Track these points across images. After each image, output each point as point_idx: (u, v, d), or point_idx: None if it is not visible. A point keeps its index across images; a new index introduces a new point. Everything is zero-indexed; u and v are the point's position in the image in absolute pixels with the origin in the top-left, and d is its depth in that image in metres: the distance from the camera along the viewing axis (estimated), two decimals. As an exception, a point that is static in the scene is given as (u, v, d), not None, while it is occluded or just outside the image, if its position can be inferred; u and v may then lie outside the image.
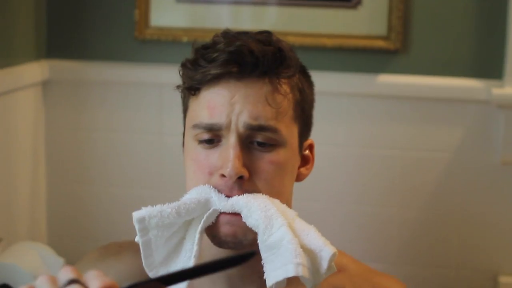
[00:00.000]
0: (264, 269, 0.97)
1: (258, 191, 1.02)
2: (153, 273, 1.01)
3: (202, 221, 1.00)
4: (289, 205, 1.06)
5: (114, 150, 1.91)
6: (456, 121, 1.78)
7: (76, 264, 1.20)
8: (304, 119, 1.09)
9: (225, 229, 1.01)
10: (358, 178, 1.83)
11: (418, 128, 1.79)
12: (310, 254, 0.96)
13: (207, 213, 1.01)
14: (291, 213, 1.01)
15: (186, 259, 1.01)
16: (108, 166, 1.92)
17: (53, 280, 0.71)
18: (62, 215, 1.93)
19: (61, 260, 1.37)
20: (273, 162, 1.03)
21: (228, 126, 1.01)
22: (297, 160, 1.09)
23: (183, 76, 1.07)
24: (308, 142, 1.13)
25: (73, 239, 1.92)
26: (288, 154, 1.05)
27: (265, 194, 1.02)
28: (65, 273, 0.72)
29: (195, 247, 1.00)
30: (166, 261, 1.02)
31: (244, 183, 1.01)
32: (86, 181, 1.93)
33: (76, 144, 1.92)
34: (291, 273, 0.94)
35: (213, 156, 1.02)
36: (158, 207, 1.00)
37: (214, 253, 1.04)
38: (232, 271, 1.07)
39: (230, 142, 1.01)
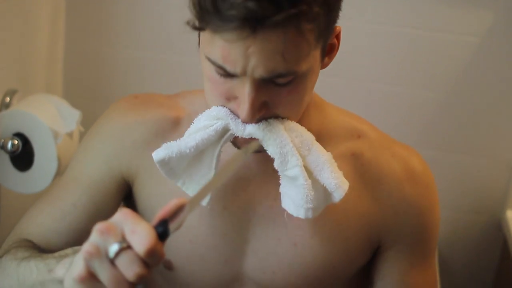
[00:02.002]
0: (280, 185, 1.00)
1: (277, 116, 0.98)
2: (178, 182, 1.04)
3: (219, 145, 1.00)
4: (309, 104, 1.03)
5: (137, 12, 1.86)
6: (487, 5, 1.72)
7: (106, 112, 1.18)
8: (329, 29, 0.98)
9: (243, 146, 1.01)
10: (385, 57, 1.79)
11: (448, 9, 1.74)
12: (323, 190, 0.99)
13: (224, 138, 1.00)
14: (307, 142, 1.00)
15: (207, 171, 1.02)
16: (129, 27, 1.88)
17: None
18: (79, 73, 1.91)
19: (77, 112, 1.35)
20: (293, 92, 0.97)
21: (242, 75, 0.93)
22: (318, 68, 1.01)
23: (192, 10, 0.93)
24: (336, 30, 1.01)
25: (88, 97, 1.91)
26: (309, 78, 0.98)
27: (285, 117, 0.99)
28: (111, 237, 0.76)
29: (213, 170, 1.01)
30: (189, 170, 1.03)
31: (262, 111, 0.97)
32: (105, 40, 1.89)
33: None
34: (301, 216, 0.99)
35: (230, 84, 0.96)
36: (176, 147, 1.00)
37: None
38: (255, 171, 1.07)
39: (245, 90, 0.94)
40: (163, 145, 1.01)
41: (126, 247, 0.77)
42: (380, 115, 1.24)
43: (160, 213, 0.79)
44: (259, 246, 1.10)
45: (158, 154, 1.01)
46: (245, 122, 0.95)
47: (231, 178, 1.08)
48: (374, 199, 1.10)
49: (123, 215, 0.78)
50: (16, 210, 1.50)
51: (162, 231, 0.78)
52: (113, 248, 0.77)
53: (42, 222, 1.13)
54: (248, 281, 1.12)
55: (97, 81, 1.92)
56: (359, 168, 1.10)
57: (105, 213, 1.14)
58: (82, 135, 1.25)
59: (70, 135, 1.34)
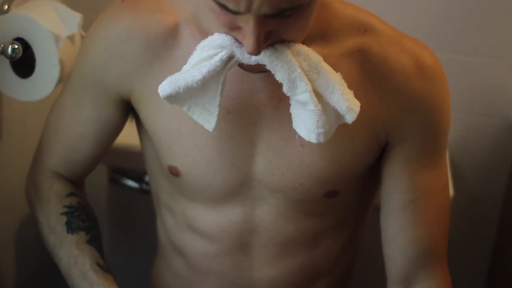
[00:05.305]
0: (290, 106, 1.00)
1: (283, 40, 0.96)
2: (183, 107, 1.04)
3: (224, 72, 0.98)
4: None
5: None
6: None
7: (92, 28, 1.15)
8: None
9: (249, 69, 1.01)
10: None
11: None
12: (334, 112, 0.97)
13: (229, 64, 0.98)
14: (315, 64, 0.97)
15: (212, 96, 1.02)
16: None
17: None
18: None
19: (78, 14, 1.32)
20: (299, 19, 0.95)
21: (246, 12, 0.91)
22: None
23: None
24: None
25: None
26: (314, 3, 0.96)
27: (291, 41, 0.96)
28: None
29: (218, 96, 1.00)
30: (195, 97, 1.02)
31: (268, 41, 0.94)
32: None
33: None
34: (313, 141, 0.99)
35: (233, 15, 0.93)
36: (182, 81, 0.98)
37: None
38: (259, 74, 1.05)
39: (250, 25, 0.91)
40: (168, 79, 1.00)
41: None
42: (386, 15, 1.20)
43: None
44: (266, 148, 1.09)
45: (164, 90, 0.99)
46: (251, 54, 0.93)
47: (234, 82, 1.06)
48: (381, 96, 1.08)
49: None
50: (19, 119, 1.48)
51: None
52: None
53: (59, 154, 1.22)
54: (257, 183, 1.12)
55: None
56: (366, 64, 1.08)
57: (111, 135, 1.20)
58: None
59: (71, 39, 1.31)
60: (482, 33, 1.76)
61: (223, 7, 0.91)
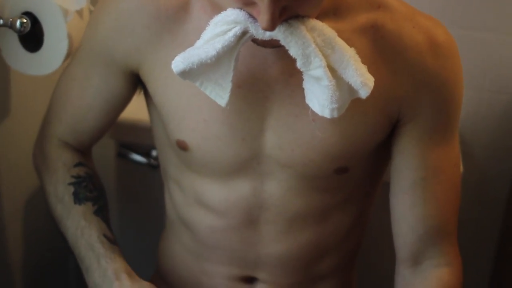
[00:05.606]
0: (303, 81, 0.99)
1: (297, 15, 0.95)
2: (196, 82, 1.03)
3: (238, 47, 0.98)
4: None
5: None
6: None
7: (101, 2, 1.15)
8: None
9: (262, 44, 1.01)
10: None
11: None
12: (348, 87, 0.97)
13: (243, 40, 0.97)
14: (330, 40, 0.97)
15: (225, 71, 1.01)
16: None
17: None
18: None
19: (87, -8, 1.31)
20: None
21: None
22: None
23: None
24: None
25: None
26: None
27: (305, 16, 0.96)
28: None
29: (231, 72, 1.00)
30: (207, 72, 1.02)
31: (283, 16, 0.94)
32: None
33: None
34: (327, 116, 0.99)
35: None
36: (196, 57, 0.97)
37: None
38: (269, 49, 1.04)
39: (265, 2, 0.90)
40: (182, 54, 0.99)
41: None
42: None
43: None
44: (277, 123, 1.09)
45: (178, 66, 0.99)
46: (266, 30, 0.92)
47: (246, 56, 1.05)
48: (394, 73, 1.07)
49: None
50: (27, 94, 1.48)
51: None
52: None
53: (67, 123, 1.22)
54: (267, 159, 1.11)
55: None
56: (379, 41, 1.07)
57: (119, 106, 1.20)
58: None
59: (80, 13, 1.30)
60: (493, 9, 1.74)
61: None
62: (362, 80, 0.97)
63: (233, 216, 1.17)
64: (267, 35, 0.96)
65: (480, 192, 1.88)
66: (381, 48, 1.07)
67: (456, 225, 1.18)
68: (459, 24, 1.76)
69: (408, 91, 1.08)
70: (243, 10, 0.95)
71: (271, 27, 0.92)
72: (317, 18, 0.99)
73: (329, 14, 1.04)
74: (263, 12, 0.91)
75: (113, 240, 1.16)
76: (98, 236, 1.14)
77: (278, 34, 0.95)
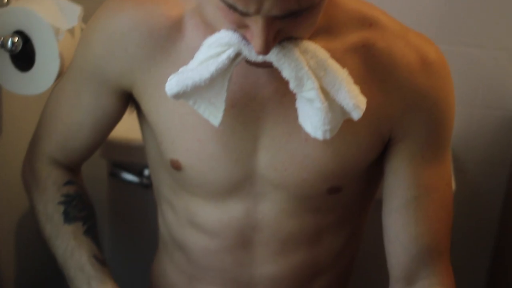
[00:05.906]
0: (296, 100, 1.00)
1: (290, 37, 0.96)
2: (189, 102, 1.04)
3: (231, 69, 0.98)
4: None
5: None
6: None
7: (98, 12, 1.15)
8: None
9: (255, 64, 1.01)
10: None
11: None
12: (341, 109, 0.97)
13: (236, 61, 0.97)
14: (322, 62, 0.97)
15: (218, 91, 1.01)
16: None
17: None
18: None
19: (78, 7, 1.30)
20: (308, 17, 0.94)
21: (255, 14, 0.90)
22: None
23: None
24: None
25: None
26: (323, 1, 0.96)
27: (298, 38, 0.96)
28: None
29: (225, 92, 1.00)
30: (201, 92, 1.02)
31: (277, 40, 0.94)
32: None
33: None
34: (319, 137, 0.99)
35: (241, 16, 0.92)
36: (190, 80, 0.98)
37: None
38: (263, 69, 1.04)
39: (259, 26, 0.90)
40: (175, 76, 0.99)
41: None
42: (387, 6, 1.19)
43: None
44: (270, 142, 1.09)
45: (172, 89, 0.99)
46: (259, 54, 0.93)
47: (239, 76, 1.05)
48: (386, 92, 1.07)
49: None
50: (18, 114, 1.47)
51: None
52: None
53: (57, 141, 1.21)
54: (260, 179, 1.11)
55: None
56: (370, 60, 1.07)
57: (109, 124, 1.19)
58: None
59: (71, 32, 1.30)
60: (483, 25, 1.75)
61: (232, 7, 0.91)
62: (354, 103, 0.97)
63: (226, 237, 1.17)
64: (260, 58, 0.96)
65: (472, 208, 1.88)
66: (372, 67, 1.07)
67: (449, 244, 1.17)
68: (450, 40, 1.76)
69: (400, 110, 1.08)
70: (237, 32, 0.95)
71: (265, 51, 0.92)
72: (310, 36, 0.99)
73: (321, 32, 1.04)
74: (257, 35, 0.91)
75: (103, 262, 1.15)
76: (89, 257, 1.14)
77: (272, 56, 0.95)
